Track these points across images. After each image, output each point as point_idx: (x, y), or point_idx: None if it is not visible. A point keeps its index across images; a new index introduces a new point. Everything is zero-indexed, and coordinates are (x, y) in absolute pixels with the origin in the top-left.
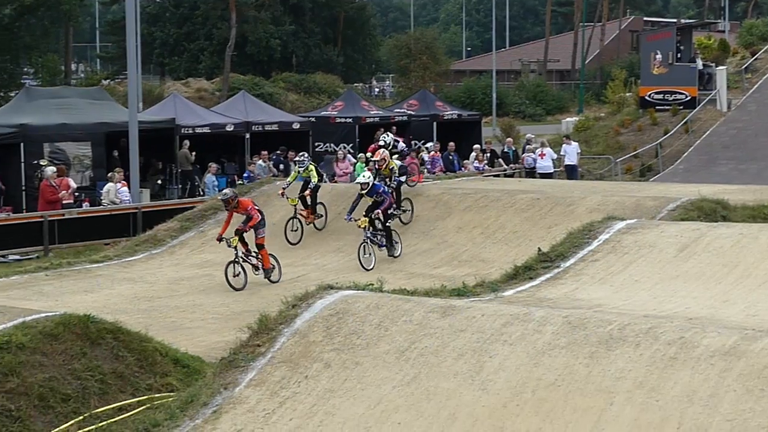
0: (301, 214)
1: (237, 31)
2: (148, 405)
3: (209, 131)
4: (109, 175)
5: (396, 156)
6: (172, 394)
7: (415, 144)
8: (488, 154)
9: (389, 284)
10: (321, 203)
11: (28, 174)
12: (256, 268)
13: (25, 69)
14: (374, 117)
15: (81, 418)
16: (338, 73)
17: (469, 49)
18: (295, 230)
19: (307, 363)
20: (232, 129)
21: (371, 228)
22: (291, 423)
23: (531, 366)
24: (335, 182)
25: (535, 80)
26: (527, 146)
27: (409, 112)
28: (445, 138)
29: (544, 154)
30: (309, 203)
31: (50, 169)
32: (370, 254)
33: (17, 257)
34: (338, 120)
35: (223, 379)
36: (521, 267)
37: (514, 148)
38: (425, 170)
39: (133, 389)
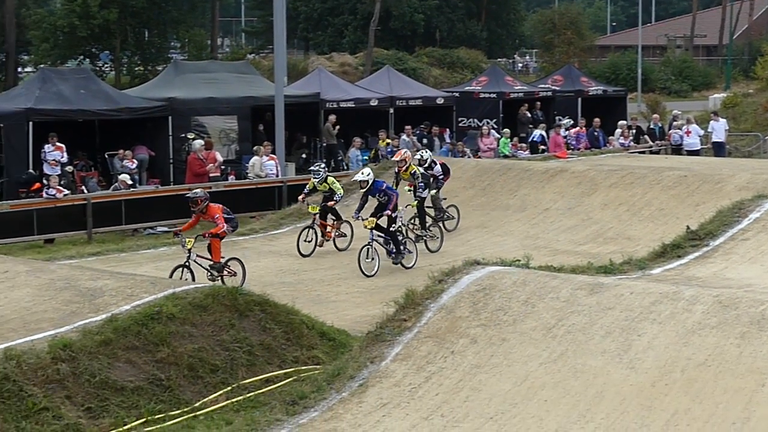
0: (319, 226)
1: (381, 6)
2: (295, 377)
3: (353, 106)
4: (255, 148)
5: (422, 179)
6: (318, 366)
7: (559, 119)
8: (634, 131)
9: (534, 261)
10: (347, 222)
11: (175, 147)
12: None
13: (173, 43)
14: (518, 92)
15: (229, 388)
16: (481, 48)
17: (614, 24)
18: (309, 241)
19: (453, 338)
20: (376, 104)
21: (378, 230)
22: (437, 398)
23: (680, 345)
24: (479, 157)
25: (681, 56)
26: (674, 123)
27: (553, 87)
28: (589, 114)
29: (691, 131)
30: (333, 217)
31: (198, 142)
32: (372, 259)
33: (165, 229)
34: (482, 95)
35: (369, 352)
36: (669, 245)
37: (660, 125)
38: (570, 146)
39: (280, 361)
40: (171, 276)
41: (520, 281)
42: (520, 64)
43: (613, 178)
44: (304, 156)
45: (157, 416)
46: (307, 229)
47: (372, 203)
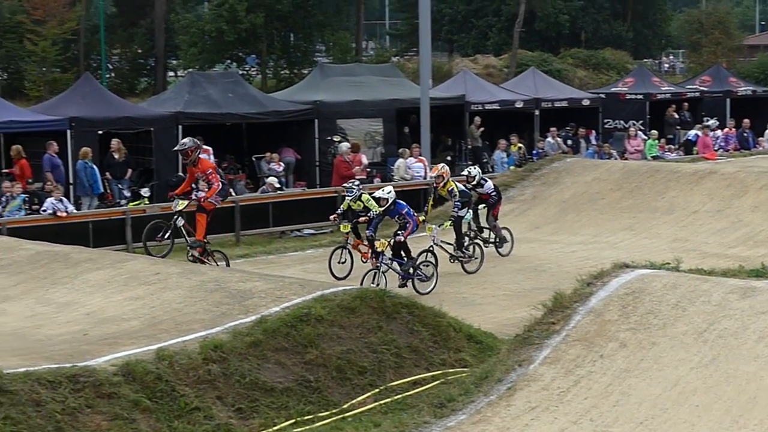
0: (353, 246)
1: (525, 7)
2: (443, 380)
3: (498, 108)
4: (400, 151)
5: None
6: (465, 369)
7: (706, 119)
8: None
9: (683, 264)
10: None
11: (321, 150)
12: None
13: (318, 47)
14: (665, 93)
15: (377, 390)
16: (627, 49)
17: (762, 23)
18: (343, 262)
19: (602, 342)
20: (521, 105)
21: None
22: (586, 402)
23: None
24: (626, 159)
25: None
26: None
27: (701, 88)
28: (739, 115)
29: None
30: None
31: (345, 145)
32: (377, 285)
33: (312, 231)
34: (628, 96)
35: (517, 356)
36: None
37: None
38: (719, 148)
39: (428, 363)
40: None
41: (670, 284)
42: (667, 65)
43: (763, 179)
44: (449, 158)
45: (305, 417)
46: (340, 250)
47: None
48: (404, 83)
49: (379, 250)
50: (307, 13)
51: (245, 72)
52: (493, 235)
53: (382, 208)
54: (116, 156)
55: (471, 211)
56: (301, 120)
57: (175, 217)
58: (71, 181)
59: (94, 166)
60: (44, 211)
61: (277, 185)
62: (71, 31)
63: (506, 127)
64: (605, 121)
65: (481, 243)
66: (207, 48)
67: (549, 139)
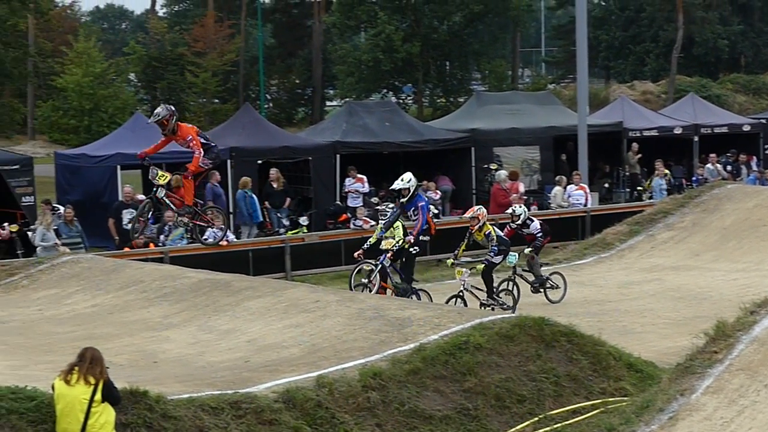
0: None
1: (683, 33)
2: (602, 409)
3: (657, 134)
4: (557, 178)
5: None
6: (626, 398)
7: None
8: None
9: None
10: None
11: (478, 178)
12: (201, 230)
13: (474, 75)
14: None
15: (536, 419)
16: None
17: None
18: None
19: (766, 371)
20: (680, 132)
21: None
22: None
23: None
24: None
25: None
26: None
27: None
28: None
29: None
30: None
31: (502, 173)
32: (371, 282)
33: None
34: None
35: (678, 385)
36: None
37: None
38: None
39: (587, 392)
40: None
41: None
42: None
43: None
44: (606, 185)
45: None
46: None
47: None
48: (561, 110)
49: (385, 247)
50: (463, 41)
51: (401, 101)
52: (550, 282)
53: (403, 200)
54: (275, 185)
55: (516, 255)
56: (457, 148)
57: (155, 190)
58: (231, 210)
59: (254, 196)
60: (206, 240)
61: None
62: (231, 63)
63: (664, 153)
64: (766, 146)
65: (555, 278)
66: (364, 77)
67: (709, 165)
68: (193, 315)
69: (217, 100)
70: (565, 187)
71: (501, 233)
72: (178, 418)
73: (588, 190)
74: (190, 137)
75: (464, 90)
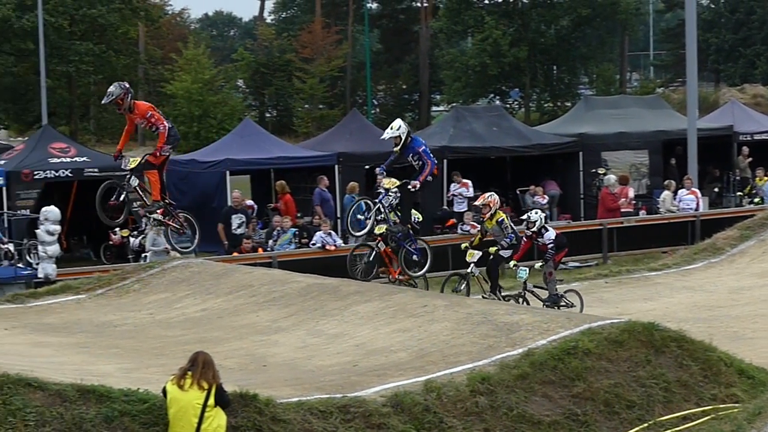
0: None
1: None
2: (713, 415)
3: None
4: (666, 183)
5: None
6: (737, 405)
7: None
8: None
9: None
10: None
11: (586, 182)
12: (176, 231)
13: (582, 79)
14: None
15: (645, 425)
16: None
17: None
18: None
19: None
20: None
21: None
22: None
23: None
24: None
25: None
26: None
27: None
28: None
29: None
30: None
31: (611, 177)
32: (367, 220)
33: (577, 264)
34: None
35: None
36: None
37: None
38: None
39: (697, 398)
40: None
41: None
42: None
43: None
44: (716, 190)
45: None
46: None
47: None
48: (670, 114)
49: (385, 186)
50: (570, 45)
51: (508, 105)
52: (565, 300)
53: (397, 148)
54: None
55: (526, 269)
56: (565, 152)
57: (128, 177)
58: (338, 215)
59: (462, 245)
60: (313, 244)
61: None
62: (338, 69)
63: None
64: None
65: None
66: (470, 82)
67: None
68: (301, 319)
69: (324, 106)
70: (675, 192)
71: (513, 226)
72: (288, 421)
73: (699, 195)
74: (150, 113)
75: (572, 94)
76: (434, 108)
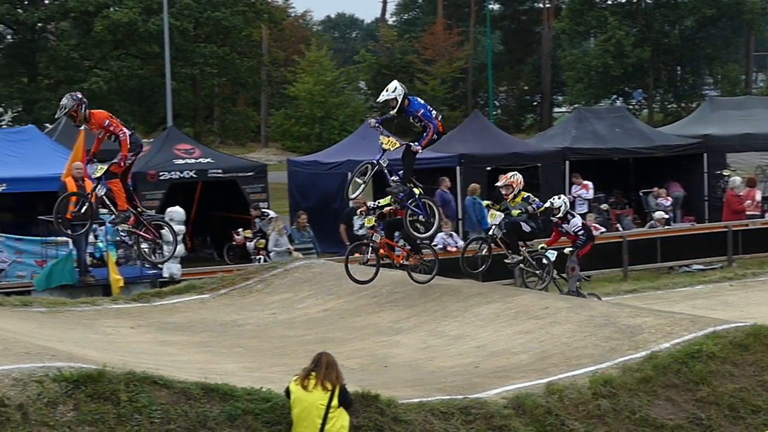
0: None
1: None
2: None
3: None
4: None
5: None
6: None
7: None
8: None
9: None
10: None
11: (710, 184)
12: (148, 241)
13: (706, 80)
14: None
15: None
16: None
17: None
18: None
19: None
20: None
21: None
22: None
23: None
24: None
25: None
26: None
27: None
28: None
29: None
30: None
31: (737, 179)
32: (362, 183)
33: (701, 267)
34: None
35: None
36: None
37: None
38: None
39: None
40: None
41: None
42: None
43: None
44: None
45: None
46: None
47: None
48: None
49: (384, 146)
50: (694, 45)
51: (631, 107)
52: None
53: (393, 111)
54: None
55: (554, 252)
56: (689, 154)
57: (95, 185)
58: (460, 216)
59: (482, 202)
60: (434, 245)
61: (666, 218)
62: (459, 70)
63: None
64: None
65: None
66: (593, 83)
67: None
68: (423, 320)
69: (445, 108)
70: None
71: (537, 202)
72: (409, 422)
73: None
74: (107, 121)
75: (696, 95)
76: (556, 109)
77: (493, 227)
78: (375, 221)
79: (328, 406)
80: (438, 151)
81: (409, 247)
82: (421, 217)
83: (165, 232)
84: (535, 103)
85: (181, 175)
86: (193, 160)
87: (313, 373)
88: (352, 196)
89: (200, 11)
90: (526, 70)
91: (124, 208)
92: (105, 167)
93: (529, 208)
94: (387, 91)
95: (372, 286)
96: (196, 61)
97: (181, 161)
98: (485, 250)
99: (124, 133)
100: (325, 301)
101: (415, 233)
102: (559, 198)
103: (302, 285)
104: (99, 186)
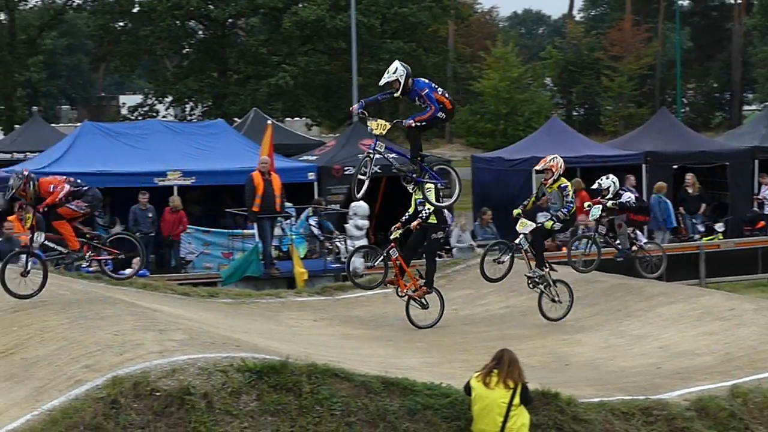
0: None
1: None
2: None
3: None
4: None
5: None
6: None
7: None
8: None
9: None
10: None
11: None
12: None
13: None
14: None
15: None
16: None
17: None
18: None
19: None
20: None
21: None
22: None
23: None
24: None
25: None
26: None
27: None
28: None
29: None
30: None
31: None
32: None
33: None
34: None
35: None
36: None
37: None
38: None
39: None
40: (3, 269)
41: None
42: None
43: None
44: None
45: None
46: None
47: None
48: None
49: (375, 132)
50: None
51: None
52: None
53: (398, 92)
54: (690, 190)
55: (599, 207)
56: None
57: (31, 236)
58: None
59: (668, 201)
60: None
61: None
62: (647, 67)
63: None
64: None
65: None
66: None
67: None
68: (605, 319)
69: (632, 105)
70: None
71: (571, 195)
72: (589, 421)
73: None
74: (51, 186)
75: None
76: (746, 107)
77: (521, 236)
78: (400, 235)
79: (510, 404)
80: (623, 148)
81: (421, 281)
82: (439, 185)
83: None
84: (724, 101)
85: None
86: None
87: (496, 371)
88: (359, 196)
89: (387, 7)
90: (716, 67)
91: (76, 248)
92: (31, 215)
93: (560, 213)
94: (388, 72)
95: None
96: (383, 57)
97: None
98: (508, 258)
99: (62, 188)
100: (507, 298)
101: (440, 203)
102: (607, 178)
103: (484, 282)
104: (36, 234)
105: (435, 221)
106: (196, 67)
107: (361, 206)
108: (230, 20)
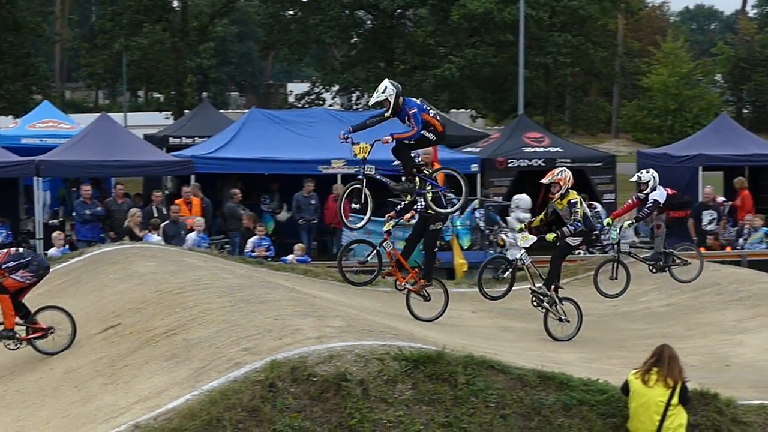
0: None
1: None
2: None
3: None
4: None
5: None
6: None
7: None
8: None
9: None
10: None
11: None
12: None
13: None
14: None
15: None
16: None
17: None
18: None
19: None
20: None
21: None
22: None
23: None
24: None
25: None
26: None
27: None
28: None
29: None
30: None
31: None
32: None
33: None
34: None
35: None
36: None
37: None
38: None
39: None
40: None
41: None
42: None
43: None
44: None
45: None
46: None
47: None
48: None
49: (358, 156)
50: None
51: None
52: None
53: (388, 112)
54: None
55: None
56: None
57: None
58: None
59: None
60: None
61: None
62: None
63: None
64: None
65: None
66: None
67: None
68: None
69: None
70: None
71: (588, 211)
72: (748, 424)
73: None
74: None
75: None
76: None
77: (522, 252)
78: (393, 227)
79: (668, 403)
80: None
81: (420, 273)
82: (444, 193)
83: (56, 314)
84: None
85: (530, 163)
86: (542, 149)
87: (656, 368)
88: (354, 227)
89: (556, 0)
90: None
91: (11, 326)
92: None
93: (567, 228)
94: (377, 92)
95: (716, 283)
96: (550, 50)
97: (530, 149)
98: (507, 274)
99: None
100: (669, 296)
101: (446, 209)
102: (648, 172)
103: (646, 278)
104: None
105: (433, 212)
106: (364, 56)
107: (523, 199)
108: (399, 10)
